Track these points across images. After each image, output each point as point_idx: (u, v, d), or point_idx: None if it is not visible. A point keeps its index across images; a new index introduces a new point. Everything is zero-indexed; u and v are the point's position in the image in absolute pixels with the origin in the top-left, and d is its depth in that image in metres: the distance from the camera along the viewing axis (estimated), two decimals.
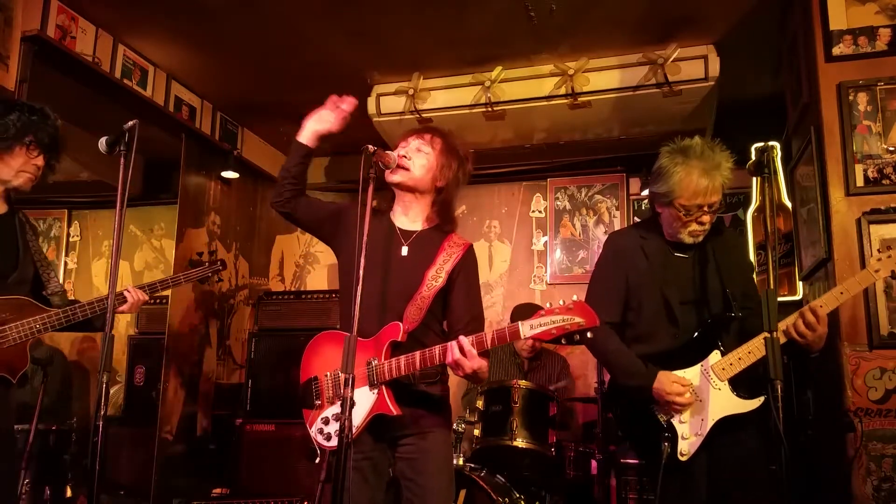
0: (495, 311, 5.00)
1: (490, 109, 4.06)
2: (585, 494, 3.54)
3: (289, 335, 4.39)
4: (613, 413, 2.49)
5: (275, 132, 5.11)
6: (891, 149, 2.68)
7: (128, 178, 1.99)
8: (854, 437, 2.52)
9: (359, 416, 1.93)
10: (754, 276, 2.55)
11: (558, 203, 5.12)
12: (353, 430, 1.92)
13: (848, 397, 2.55)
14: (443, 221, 2.16)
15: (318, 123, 2.16)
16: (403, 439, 2.04)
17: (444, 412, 2.12)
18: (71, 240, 5.80)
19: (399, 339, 1.94)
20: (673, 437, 2.10)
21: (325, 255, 5.56)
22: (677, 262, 2.28)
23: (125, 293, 2.47)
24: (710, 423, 2.08)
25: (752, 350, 2.08)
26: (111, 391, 4.04)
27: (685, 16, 3.51)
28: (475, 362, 1.84)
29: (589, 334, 1.73)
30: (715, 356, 2.14)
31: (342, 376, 1.72)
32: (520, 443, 3.18)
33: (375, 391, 1.94)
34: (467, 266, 2.11)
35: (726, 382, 2.11)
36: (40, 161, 2.33)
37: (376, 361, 1.94)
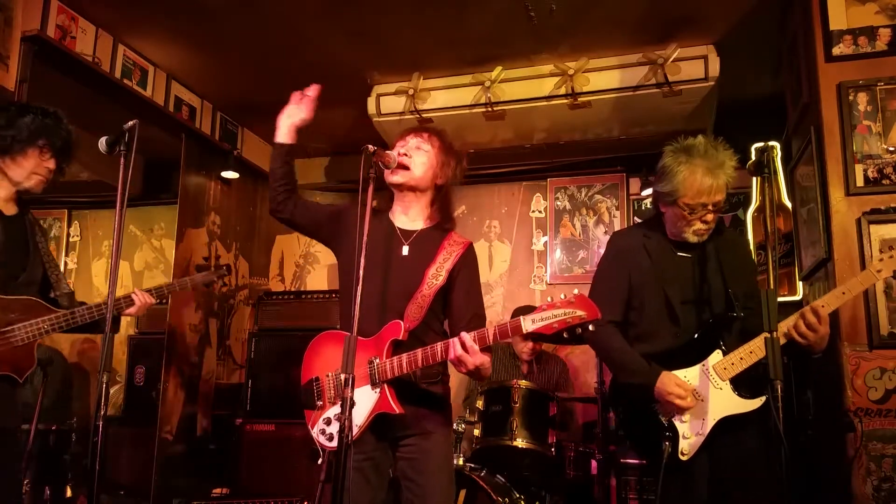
0: (495, 310, 5.00)
1: (490, 109, 4.06)
2: (585, 494, 3.54)
3: (289, 335, 4.38)
4: (615, 413, 2.49)
5: (275, 132, 5.10)
6: (891, 149, 2.68)
7: (128, 178, 2.00)
8: (854, 437, 2.52)
9: (361, 415, 1.93)
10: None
11: (558, 203, 5.12)
12: (356, 429, 1.92)
13: (848, 397, 2.56)
14: (443, 219, 2.17)
15: (290, 118, 2.20)
16: (405, 439, 2.04)
17: (446, 412, 2.12)
18: (71, 240, 5.80)
19: (400, 338, 1.95)
20: (674, 437, 2.10)
21: (325, 255, 5.56)
22: (680, 262, 2.28)
23: (132, 296, 2.49)
24: (712, 423, 2.09)
25: (754, 350, 2.08)
26: (111, 391, 4.04)
27: (685, 16, 3.51)
28: (477, 358, 1.84)
29: (591, 327, 1.74)
30: (716, 356, 2.15)
31: (343, 376, 1.72)
32: (520, 443, 3.18)
33: (377, 390, 1.94)
34: (468, 264, 2.12)
35: (728, 382, 2.11)
36: (52, 164, 2.35)
37: (378, 360, 1.95)
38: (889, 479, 2.47)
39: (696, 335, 2.19)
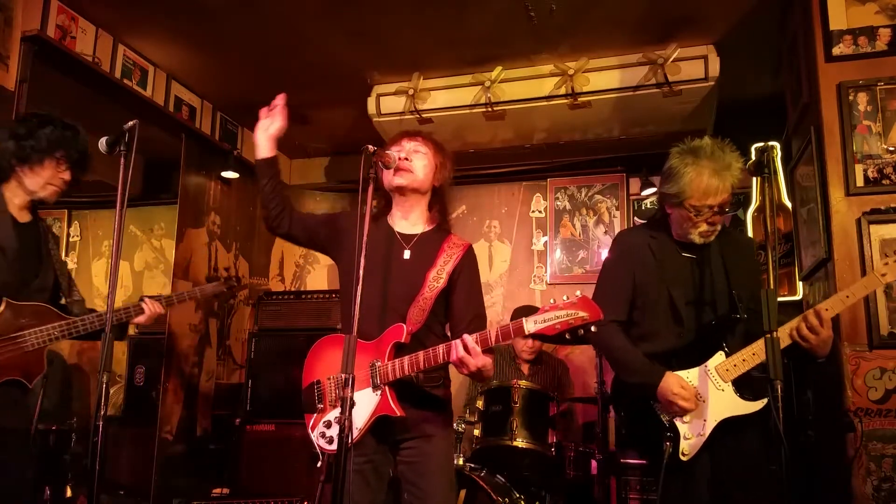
0: (495, 311, 5.00)
1: (490, 109, 4.06)
2: (585, 494, 3.54)
3: (289, 335, 4.38)
4: (617, 413, 2.49)
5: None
6: (891, 149, 2.68)
7: (128, 178, 2.00)
8: (854, 437, 2.52)
9: (362, 417, 1.93)
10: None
11: (558, 203, 5.12)
12: (357, 431, 1.92)
13: (848, 397, 2.56)
14: (442, 221, 2.19)
15: (265, 131, 2.20)
16: (406, 442, 2.04)
17: (447, 415, 2.13)
18: (71, 240, 5.79)
19: (403, 341, 1.95)
20: (675, 437, 2.10)
21: (324, 256, 5.55)
22: (685, 262, 2.27)
23: (143, 305, 2.51)
24: (713, 424, 2.08)
25: (757, 352, 2.08)
26: (111, 391, 4.04)
27: (685, 16, 3.51)
28: (479, 360, 1.85)
29: (593, 328, 1.74)
30: (719, 357, 2.14)
31: (343, 376, 1.71)
32: (520, 443, 3.18)
33: (378, 392, 1.94)
34: (468, 266, 2.12)
35: (730, 384, 2.11)
36: (67, 175, 2.39)
37: (380, 363, 1.95)
38: (889, 479, 2.47)
39: (699, 336, 2.19)
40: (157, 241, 5.57)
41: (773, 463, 1.86)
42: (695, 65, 3.71)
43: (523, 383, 3.32)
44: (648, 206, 4.91)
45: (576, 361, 4.69)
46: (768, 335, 1.83)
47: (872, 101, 2.73)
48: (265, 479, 4.07)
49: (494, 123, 4.25)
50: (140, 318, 2.50)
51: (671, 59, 3.69)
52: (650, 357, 2.19)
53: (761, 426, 2.08)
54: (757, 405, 2.07)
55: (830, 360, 2.62)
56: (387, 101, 4.22)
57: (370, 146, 1.92)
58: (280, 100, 2.20)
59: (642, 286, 2.28)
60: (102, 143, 2.07)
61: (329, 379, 2.06)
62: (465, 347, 1.84)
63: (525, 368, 4.14)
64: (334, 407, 2.01)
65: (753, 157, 2.10)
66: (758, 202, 4.05)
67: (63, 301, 2.46)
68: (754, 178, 3.93)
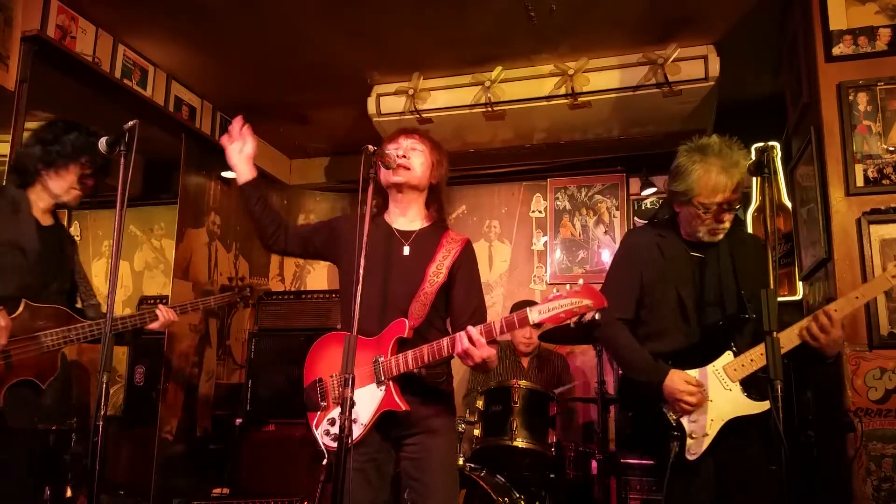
0: (495, 310, 5.00)
1: (490, 109, 4.05)
2: (585, 494, 3.54)
3: (289, 335, 4.38)
4: (623, 412, 2.49)
5: (275, 132, 5.10)
6: (891, 149, 2.68)
7: (128, 178, 2.00)
8: (854, 437, 2.51)
9: (367, 413, 1.94)
10: None
11: (558, 203, 5.12)
12: (362, 428, 1.94)
13: (848, 397, 2.55)
14: (439, 218, 2.22)
15: (237, 155, 2.22)
16: (409, 438, 2.05)
17: (449, 412, 2.14)
18: None
19: (406, 336, 1.96)
20: (681, 437, 2.09)
21: None
22: (693, 261, 2.27)
23: (157, 312, 2.53)
24: (720, 424, 2.08)
25: (766, 352, 2.07)
26: (111, 391, 4.03)
27: (685, 16, 3.51)
28: (484, 351, 1.86)
29: (597, 315, 1.74)
30: (727, 357, 2.13)
31: (343, 376, 1.72)
32: (520, 443, 3.18)
33: (383, 388, 1.95)
34: (467, 260, 2.14)
35: (738, 383, 2.11)
36: (91, 181, 2.43)
37: (383, 358, 1.95)
38: (889, 479, 2.47)
39: (707, 336, 2.18)
40: (157, 241, 5.56)
41: (774, 463, 1.85)
42: (695, 65, 3.71)
43: (523, 383, 3.32)
44: (648, 206, 4.91)
45: (576, 361, 4.69)
46: (768, 335, 1.83)
47: (872, 101, 2.72)
48: (265, 479, 4.07)
49: (494, 123, 4.25)
50: (154, 325, 2.53)
51: (671, 59, 3.69)
52: (658, 356, 2.19)
53: (762, 426, 2.08)
54: (764, 405, 2.06)
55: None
56: (387, 101, 4.22)
57: (370, 146, 1.93)
58: (237, 122, 2.24)
59: (650, 285, 2.28)
60: (102, 143, 2.07)
61: (332, 377, 2.07)
62: (470, 339, 1.85)
63: (525, 362, 4.14)
64: (338, 404, 2.01)
65: (753, 157, 2.10)
66: (758, 202, 4.05)
67: (79, 305, 2.49)
68: (754, 178, 3.92)
